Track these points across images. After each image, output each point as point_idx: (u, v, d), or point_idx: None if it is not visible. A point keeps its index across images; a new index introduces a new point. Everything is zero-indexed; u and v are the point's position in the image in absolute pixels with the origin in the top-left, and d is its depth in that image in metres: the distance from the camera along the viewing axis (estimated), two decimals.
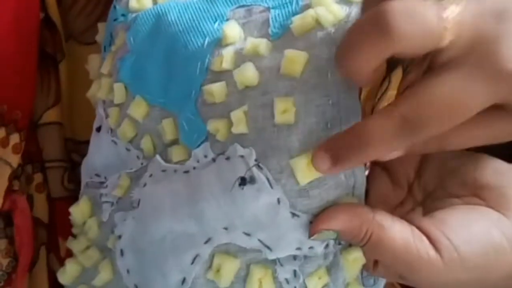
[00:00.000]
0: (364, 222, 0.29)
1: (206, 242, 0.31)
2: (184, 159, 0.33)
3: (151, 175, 0.34)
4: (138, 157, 0.36)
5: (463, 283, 0.30)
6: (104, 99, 0.38)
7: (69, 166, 0.44)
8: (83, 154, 0.40)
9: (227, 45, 0.32)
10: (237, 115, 0.31)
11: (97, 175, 0.38)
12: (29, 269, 0.42)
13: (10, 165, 0.41)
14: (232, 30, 0.33)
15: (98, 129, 0.38)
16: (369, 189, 0.32)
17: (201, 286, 0.32)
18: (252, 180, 0.30)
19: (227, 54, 0.32)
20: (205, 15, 0.34)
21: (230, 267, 0.31)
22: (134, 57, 0.36)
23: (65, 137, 0.45)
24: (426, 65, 0.27)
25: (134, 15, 0.37)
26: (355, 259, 0.31)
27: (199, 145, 0.32)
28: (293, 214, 0.30)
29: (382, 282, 0.34)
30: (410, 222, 0.30)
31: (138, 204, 0.34)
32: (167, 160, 0.34)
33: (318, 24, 0.31)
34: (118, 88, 0.36)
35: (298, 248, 0.30)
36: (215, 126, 0.31)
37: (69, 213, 0.38)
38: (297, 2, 0.32)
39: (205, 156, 0.32)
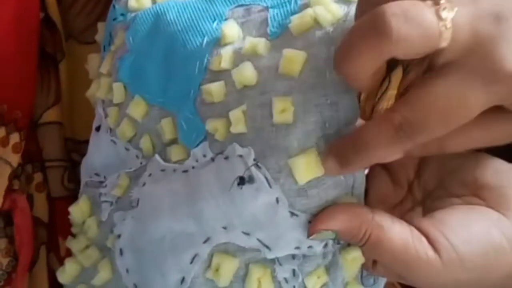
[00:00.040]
0: (363, 223, 0.29)
1: (205, 242, 0.31)
2: (183, 159, 0.33)
3: (150, 175, 0.34)
4: (137, 156, 0.36)
5: (463, 283, 0.30)
6: (103, 99, 0.38)
7: (69, 165, 0.44)
8: (83, 154, 0.40)
9: (225, 44, 0.32)
10: (236, 114, 0.31)
11: (97, 174, 0.38)
12: (29, 269, 0.42)
13: (10, 164, 0.41)
14: (231, 29, 0.33)
15: (98, 129, 0.38)
16: (369, 188, 0.32)
17: (200, 286, 0.32)
18: (251, 179, 0.30)
19: (226, 53, 0.32)
20: (204, 15, 0.34)
21: (229, 267, 0.31)
22: (133, 56, 0.36)
23: (65, 136, 0.45)
24: (426, 64, 0.27)
25: (133, 14, 0.37)
26: (354, 258, 0.31)
27: (198, 145, 0.32)
28: (292, 214, 0.30)
29: (382, 281, 0.34)
30: (410, 222, 0.30)
31: (137, 203, 0.34)
32: (166, 159, 0.34)
33: (316, 23, 0.30)
34: (117, 87, 0.36)
35: (297, 248, 0.30)
36: (214, 125, 0.31)
37: (69, 213, 0.38)
38: (295, 2, 0.32)
39: (204, 156, 0.32)
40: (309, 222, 0.30)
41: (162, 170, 0.34)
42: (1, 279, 0.41)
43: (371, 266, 0.31)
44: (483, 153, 0.32)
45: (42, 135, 0.44)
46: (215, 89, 0.31)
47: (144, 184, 0.34)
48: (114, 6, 0.39)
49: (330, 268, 0.31)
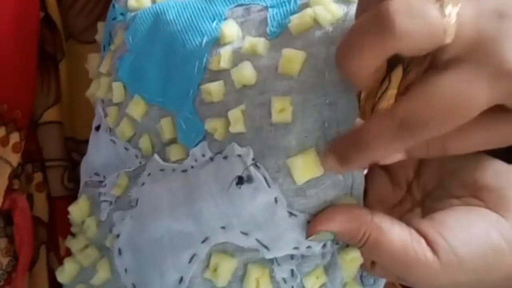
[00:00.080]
0: (362, 224, 0.29)
1: (203, 241, 0.31)
2: (182, 158, 0.33)
3: (149, 174, 0.34)
4: (136, 156, 0.36)
5: (462, 284, 0.30)
6: (103, 98, 0.38)
7: (69, 165, 0.44)
8: (83, 153, 0.40)
9: (225, 44, 0.32)
10: (235, 114, 0.31)
11: (96, 174, 0.38)
12: (29, 268, 0.42)
13: (10, 164, 0.41)
14: (230, 29, 0.33)
15: (97, 128, 0.38)
16: (368, 189, 0.32)
17: (199, 286, 0.32)
18: (250, 179, 0.30)
19: (225, 53, 0.32)
20: (204, 14, 0.34)
21: (227, 267, 0.31)
22: (133, 56, 0.36)
23: (65, 136, 0.45)
24: (427, 64, 0.27)
25: (133, 14, 0.37)
26: (353, 258, 0.31)
27: (197, 144, 0.32)
28: (291, 214, 0.30)
29: (382, 281, 0.34)
30: (409, 223, 0.30)
31: (137, 203, 0.34)
32: (165, 159, 0.34)
33: (316, 23, 0.30)
34: (117, 87, 0.36)
35: (296, 248, 0.30)
36: (213, 125, 0.31)
37: (68, 212, 0.38)
38: (295, 1, 0.32)
39: (203, 155, 0.32)
40: (308, 222, 0.30)
41: (161, 170, 0.34)
42: (1, 279, 0.41)
43: (369, 267, 0.31)
44: (483, 154, 0.32)
45: (42, 135, 0.44)
46: (214, 89, 0.31)
47: (143, 184, 0.34)
48: (114, 6, 0.39)
49: (329, 268, 0.31)
